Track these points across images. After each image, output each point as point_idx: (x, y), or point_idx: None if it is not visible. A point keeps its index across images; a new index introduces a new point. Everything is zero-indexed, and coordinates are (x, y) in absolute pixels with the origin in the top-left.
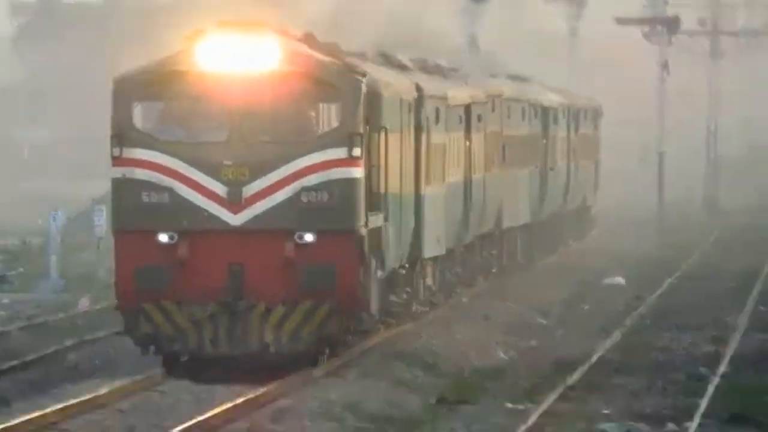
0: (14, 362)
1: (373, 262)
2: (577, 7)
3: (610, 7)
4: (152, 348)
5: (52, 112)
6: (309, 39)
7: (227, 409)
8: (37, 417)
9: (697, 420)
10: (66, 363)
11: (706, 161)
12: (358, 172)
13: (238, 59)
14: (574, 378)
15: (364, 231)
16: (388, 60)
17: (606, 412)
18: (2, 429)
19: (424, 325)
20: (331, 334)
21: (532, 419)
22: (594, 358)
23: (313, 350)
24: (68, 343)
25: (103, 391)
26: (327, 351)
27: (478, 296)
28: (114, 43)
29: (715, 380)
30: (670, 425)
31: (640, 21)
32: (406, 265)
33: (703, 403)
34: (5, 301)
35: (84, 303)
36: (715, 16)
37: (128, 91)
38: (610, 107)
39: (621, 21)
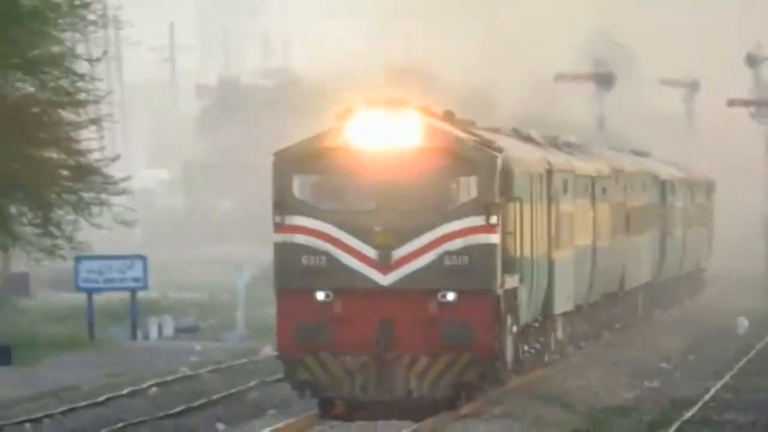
0: (204, 400)
1: (508, 318)
2: (691, 90)
3: (721, 90)
4: (308, 392)
5: (235, 183)
6: (448, 116)
7: None
8: None
9: None
10: (247, 401)
11: None
12: (495, 238)
13: (384, 136)
14: (689, 414)
15: (500, 291)
16: (520, 135)
17: None
18: None
19: (557, 371)
20: (468, 382)
21: None
22: (707, 397)
23: (451, 396)
24: (250, 384)
25: (278, 425)
26: (464, 397)
27: (604, 346)
28: (280, 121)
29: None
30: None
31: (746, 102)
32: (540, 319)
33: None
34: (197, 348)
35: (265, 350)
36: None
37: (287, 164)
38: (723, 181)
39: (731, 103)
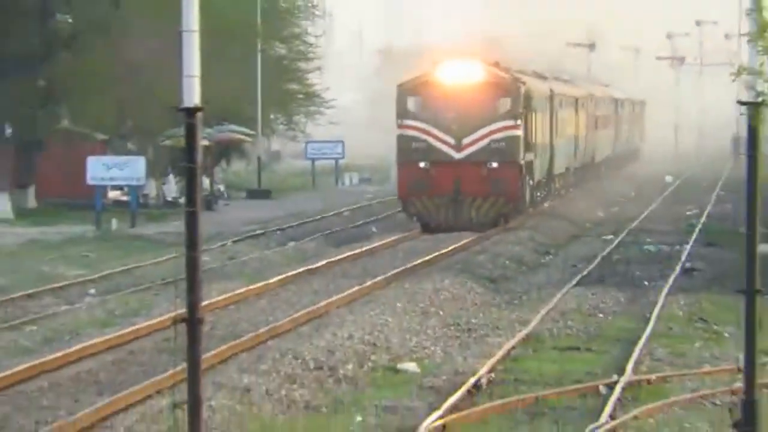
0: (373, 218)
1: (527, 177)
2: (636, 52)
3: (653, 52)
4: (415, 219)
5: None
6: (495, 64)
7: (328, 303)
8: (337, 259)
9: (690, 243)
10: (393, 219)
11: None
12: (519, 132)
13: (458, 75)
14: (633, 225)
15: (522, 162)
16: (536, 74)
17: (649, 240)
18: (308, 269)
19: (557, 205)
20: (505, 212)
21: (614, 244)
22: (643, 215)
23: (495, 221)
24: (391, 212)
25: (228, 295)
26: (503, 221)
27: (585, 190)
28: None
29: (699, 226)
30: (678, 246)
31: (666, 57)
32: (545, 177)
33: (694, 236)
34: (370, 190)
35: None
36: None
37: (404, 90)
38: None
39: (658, 58)
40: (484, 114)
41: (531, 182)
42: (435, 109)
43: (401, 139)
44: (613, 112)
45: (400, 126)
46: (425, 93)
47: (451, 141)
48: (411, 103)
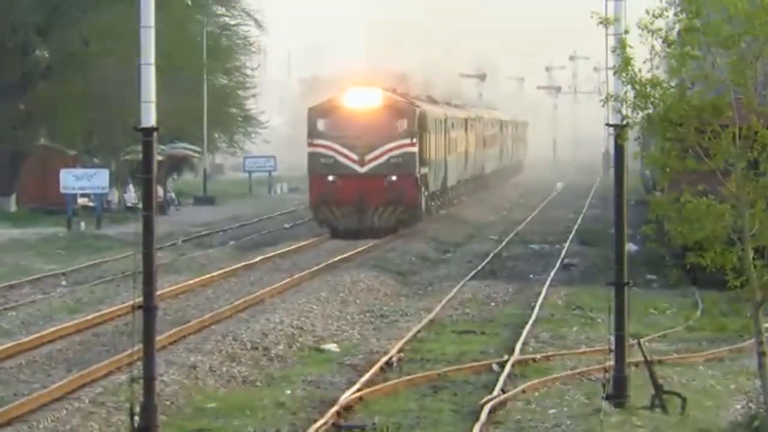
0: (299, 221)
1: (422, 188)
2: (520, 81)
3: (535, 81)
4: (324, 225)
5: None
6: (393, 90)
7: (263, 292)
8: (270, 255)
9: (568, 243)
10: (290, 233)
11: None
12: (414, 148)
13: (361, 100)
14: (520, 228)
15: (417, 175)
16: (432, 99)
17: (534, 240)
18: (246, 264)
19: (455, 210)
20: (403, 219)
21: (503, 243)
22: (528, 219)
23: (395, 227)
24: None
25: (179, 286)
26: (401, 227)
27: (477, 198)
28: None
29: (575, 228)
30: (558, 246)
31: (544, 87)
32: (440, 189)
33: (571, 236)
34: (297, 198)
35: None
36: None
37: (314, 113)
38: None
39: (539, 88)
40: (384, 134)
41: (426, 192)
42: (341, 130)
43: (312, 155)
44: (499, 131)
45: (310, 144)
46: (332, 115)
47: (355, 157)
48: (320, 124)
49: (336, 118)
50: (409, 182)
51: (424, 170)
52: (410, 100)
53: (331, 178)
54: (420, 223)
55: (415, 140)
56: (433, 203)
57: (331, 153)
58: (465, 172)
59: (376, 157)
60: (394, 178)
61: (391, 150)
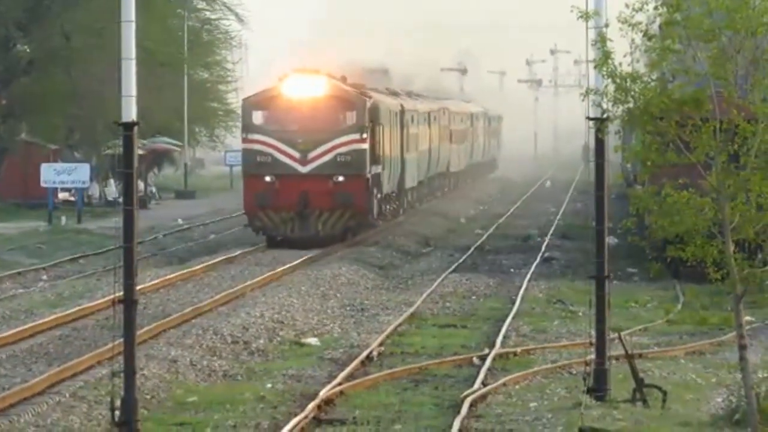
0: (228, 231)
1: (375, 190)
2: (501, 74)
3: (515, 75)
4: (261, 233)
5: None
6: (343, 79)
7: (309, 257)
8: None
9: (549, 235)
10: (224, 241)
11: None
12: (365, 145)
13: (303, 89)
14: (500, 221)
15: (368, 175)
16: (390, 91)
17: (518, 232)
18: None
19: (414, 214)
20: (351, 226)
21: (486, 235)
22: (510, 212)
23: (342, 235)
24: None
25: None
26: (350, 235)
27: (442, 200)
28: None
29: (556, 221)
30: (543, 238)
31: (525, 81)
32: (395, 191)
33: (552, 229)
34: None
35: None
36: None
37: (249, 105)
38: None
39: (520, 81)
40: (330, 128)
41: (379, 195)
42: (280, 123)
43: (246, 152)
44: (470, 125)
45: (245, 140)
46: (270, 107)
47: (297, 155)
48: (256, 117)
49: (274, 110)
50: (359, 183)
51: (377, 169)
52: (361, 90)
53: (268, 178)
54: (371, 231)
55: (365, 135)
56: (387, 207)
57: (268, 150)
58: (428, 171)
59: (321, 155)
60: (341, 178)
61: (338, 146)
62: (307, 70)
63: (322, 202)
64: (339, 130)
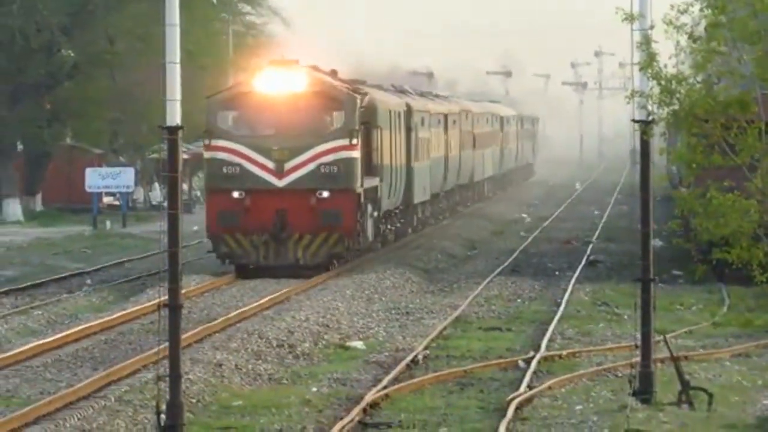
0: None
1: (369, 207)
2: (547, 78)
3: (559, 77)
4: (227, 261)
5: None
6: (333, 73)
7: (288, 290)
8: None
9: (594, 241)
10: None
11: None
12: (355, 153)
13: (279, 84)
14: (545, 224)
15: (360, 189)
16: (396, 89)
17: (562, 235)
18: (146, 305)
19: (429, 233)
20: (338, 253)
21: (530, 239)
22: (555, 215)
23: (326, 262)
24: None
25: (204, 284)
26: (335, 263)
27: (462, 216)
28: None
29: (601, 223)
30: (587, 239)
31: (569, 83)
32: (400, 206)
33: (597, 232)
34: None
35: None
36: None
37: (214, 104)
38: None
39: (564, 83)
40: (311, 131)
41: (376, 213)
42: (251, 127)
43: (210, 162)
44: (499, 129)
45: (207, 147)
46: (240, 106)
47: (271, 165)
48: (222, 119)
49: (245, 110)
50: (348, 200)
51: (372, 182)
52: (353, 87)
53: (236, 194)
54: (365, 256)
55: (355, 141)
56: (389, 227)
57: (236, 159)
58: (444, 183)
59: (301, 165)
60: (325, 194)
61: (321, 155)
62: (285, 62)
63: (302, 224)
64: (323, 135)
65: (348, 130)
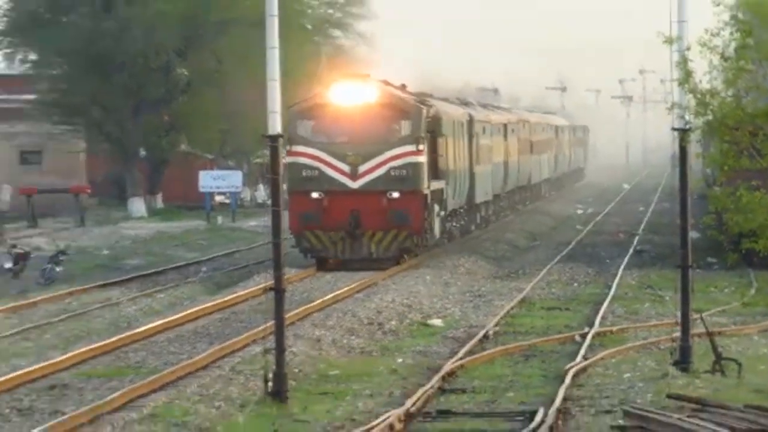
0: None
1: (436, 207)
2: (597, 93)
3: (609, 92)
4: (309, 255)
5: None
6: (402, 87)
7: (375, 276)
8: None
9: (641, 228)
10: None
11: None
12: (422, 158)
13: (353, 96)
14: (597, 219)
15: (427, 191)
16: (461, 101)
17: (612, 228)
18: (254, 289)
19: (496, 227)
20: (407, 248)
21: (584, 232)
22: (605, 211)
23: (397, 256)
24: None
25: (298, 273)
26: (405, 257)
27: (520, 214)
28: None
29: (646, 218)
30: (634, 232)
31: (618, 97)
32: (464, 206)
33: (642, 225)
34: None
35: None
36: None
37: (294, 114)
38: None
39: (613, 97)
40: (382, 138)
41: (442, 212)
42: (328, 134)
43: (291, 167)
44: (554, 136)
45: (289, 152)
46: (317, 116)
47: (346, 169)
48: (301, 128)
49: (321, 120)
50: (415, 200)
51: (438, 185)
52: (419, 99)
53: (315, 195)
54: (433, 250)
55: (422, 147)
56: (454, 224)
57: (315, 164)
58: (504, 185)
59: (373, 169)
60: (395, 195)
61: (391, 159)
62: (358, 75)
63: (374, 222)
64: (392, 142)
65: (415, 137)
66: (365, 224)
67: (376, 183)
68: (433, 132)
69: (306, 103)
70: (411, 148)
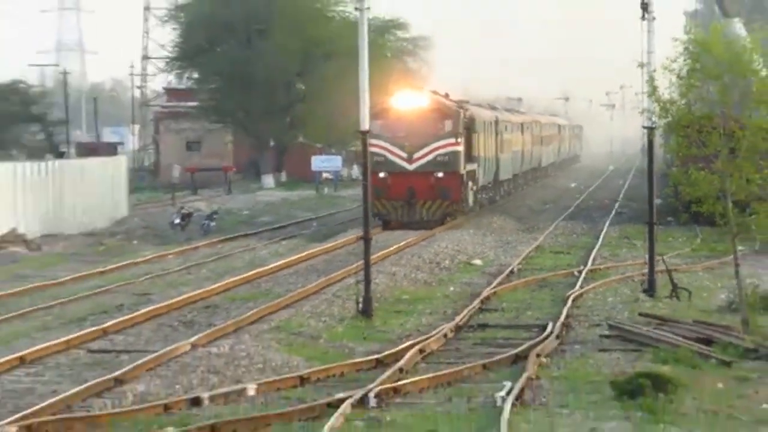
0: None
1: (470, 183)
2: (591, 102)
3: (598, 101)
4: (378, 219)
5: None
6: (446, 95)
7: (434, 231)
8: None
9: (619, 200)
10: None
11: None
12: (460, 147)
13: (410, 103)
14: (589, 190)
15: (463, 171)
16: (489, 106)
17: (600, 197)
18: (349, 238)
19: (516, 197)
20: (449, 212)
21: (580, 199)
22: (595, 185)
23: (442, 219)
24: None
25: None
26: (449, 220)
27: (532, 187)
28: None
29: (624, 190)
30: (616, 199)
31: (606, 105)
32: (491, 183)
33: (621, 196)
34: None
35: None
36: None
37: (370, 115)
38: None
39: (601, 105)
40: (431, 133)
41: (474, 187)
42: (391, 130)
43: (369, 154)
44: (557, 132)
45: (369, 144)
46: (384, 117)
47: (405, 155)
48: (373, 126)
49: (387, 120)
50: (455, 179)
51: (471, 167)
52: (460, 104)
53: (382, 174)
54: (469, 214)
55: (460, 140)
56: (484, 196)
57: (383, 152)
58: (521, 167)
59: (424, 155)
60: (440, 174)
61: (437, 149)
62: (413, 87)
63: (425, 194)
64: (438, 136)
65: (455, 132)
66: (418, 195)
67: (426, 166)
68: (468, 129)
69: (375, 108)
70: (452, 140)
